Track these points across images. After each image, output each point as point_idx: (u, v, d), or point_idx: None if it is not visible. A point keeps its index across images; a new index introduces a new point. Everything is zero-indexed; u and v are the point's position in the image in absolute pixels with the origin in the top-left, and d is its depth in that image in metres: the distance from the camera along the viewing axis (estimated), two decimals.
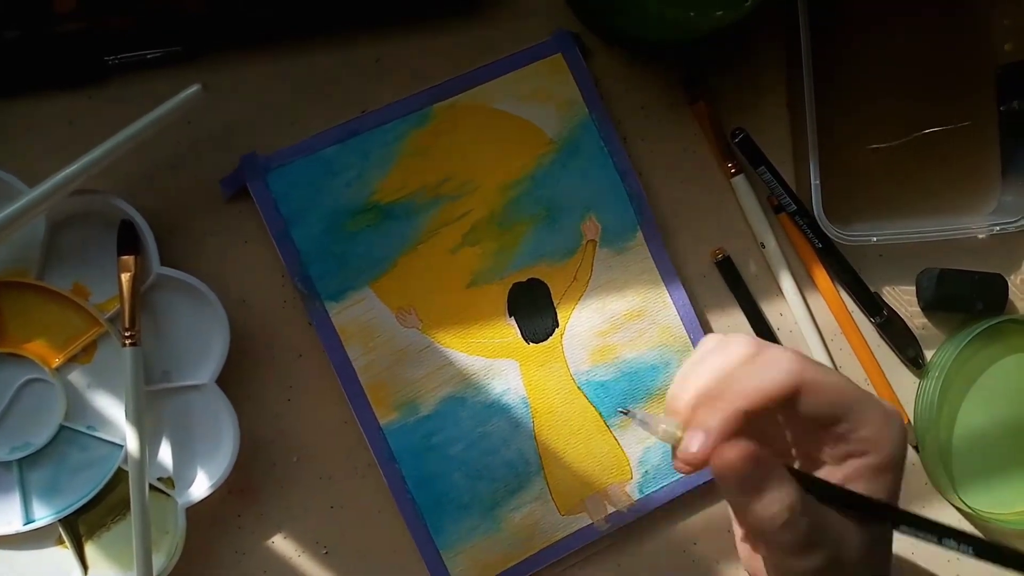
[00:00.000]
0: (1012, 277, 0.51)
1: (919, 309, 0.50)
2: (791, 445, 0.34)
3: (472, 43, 0.45)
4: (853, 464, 0.31)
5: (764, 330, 0.48)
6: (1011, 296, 0.50)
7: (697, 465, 0.30)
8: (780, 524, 0.29)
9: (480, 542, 0.44)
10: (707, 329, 0.48)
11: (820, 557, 0.30)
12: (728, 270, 0.48)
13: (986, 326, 0.48)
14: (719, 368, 0.31)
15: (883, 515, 0.31)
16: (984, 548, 0.30)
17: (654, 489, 0.46)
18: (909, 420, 0.49)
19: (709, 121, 0.47)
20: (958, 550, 0.30)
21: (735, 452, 0.29)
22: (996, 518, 0.49)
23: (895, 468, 0.31)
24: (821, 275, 0.49)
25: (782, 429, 0.33)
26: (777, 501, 0.29)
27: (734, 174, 0.48)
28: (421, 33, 0.45)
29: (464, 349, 0.44)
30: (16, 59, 0.41)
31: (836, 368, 0.49)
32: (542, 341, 0.45)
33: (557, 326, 0.45)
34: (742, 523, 0.32)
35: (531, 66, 0.45)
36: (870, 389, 0.49)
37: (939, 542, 0.31)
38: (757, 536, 0.31)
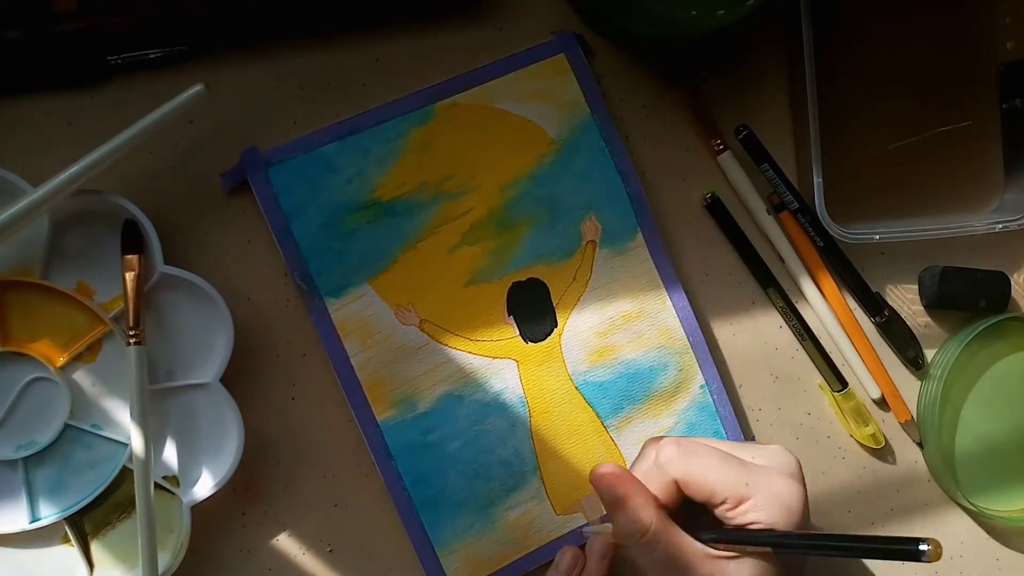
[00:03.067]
0: (1015, 275, 0.51)
1: (922, 307, 0.50)
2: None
3: (472, 43, 0.45)
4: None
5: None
6: (1013, 294, 0.50)
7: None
8: (636, 535, 0.36)
9: (475, 540, 0.44)
10: (707, 330, 0.48)
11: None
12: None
13: (989, 324, 0.48)
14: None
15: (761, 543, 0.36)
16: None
17: None
18: (912, 417, 0.49)
19: (692, 106, 0.47)
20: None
21: (606, 467, 0.38)
22: (1001, 515, 0.49)
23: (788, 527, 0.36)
24: (823, 273, 0.49)
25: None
26: (635, 515, 0.36)
27: (721, 151, 0.48)
28: (421, 33, 0.45)
29: (463, 347, 0.44)
30: (17, 59, 0.41)
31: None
32: (541, 341, 0.45)
33: (556, 326, 0.45)
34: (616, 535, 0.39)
35: (533, 66, 0.45)
36: (872, 389, 0.49)
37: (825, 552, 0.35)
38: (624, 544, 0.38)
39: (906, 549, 0.29)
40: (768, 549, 0.35)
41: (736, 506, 0.36)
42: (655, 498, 0.37)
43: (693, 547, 0.37)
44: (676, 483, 0.37)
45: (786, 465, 0.38)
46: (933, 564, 0.49)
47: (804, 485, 0.37)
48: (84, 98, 0.43)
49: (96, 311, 0.40)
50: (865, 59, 0.49)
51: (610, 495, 0.38)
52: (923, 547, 0.28)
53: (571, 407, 0.45)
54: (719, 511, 0.37)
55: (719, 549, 0.37)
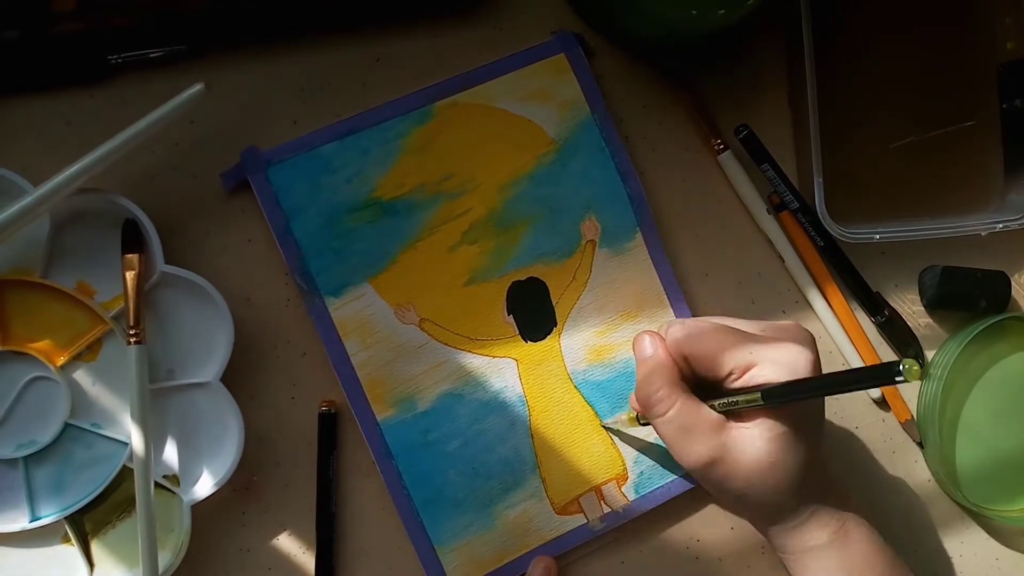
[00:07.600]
0: (1015, 275, 0.51)
1: (922, 307, 0.50)
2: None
3: (472, 43, 0.45)
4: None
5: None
6: (1014, 294, 0.50)
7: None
8: (650, 395, 0.39)
9: (475, 539, 0.44)
10: None
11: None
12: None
13: (989, 324, 0.48)
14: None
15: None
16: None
17: (650, 489, 0.46)
18: (912, 417, 0.49)
19: (692, 106, 0.47)
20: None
21: (645, 333, 0.41)
22: (1001, 515, 0.49)
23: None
24: (823, 273, 0.49)
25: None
26: (651, 375, 0.39)
27: (721, 150, 0.48)
28: (421, 33, 0.45)
29: (462, 346, 0.44)
30: (17, 59, 0.41)
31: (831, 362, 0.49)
32: (540, 340, 0.45)
33: (555, 325, 0.45)
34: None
35: (533, 66, 0.45)
36: (873, 389, 0.49)
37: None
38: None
39: (885, 375, 0.31)
40: (759, 400, 0.36)
41: (742, 375, 0.38)
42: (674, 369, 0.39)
43: (708, 415, 0.38)
44: (686, 359, 0.39)
45: (798, 337, 0.39)
46: (934, 561, 0.49)
47: (815, 353, 0.38)
48: (84, 98, 0.43)
49: (96, 310, 0.40)
50: (865, 59, 0.49)
51: (638, 354, 0.40)
52: (901, 368, 0.29)
53: (570, 406, 0.45)
54: (728, 383, 0.39)
55: (732, 419, 0.38)
